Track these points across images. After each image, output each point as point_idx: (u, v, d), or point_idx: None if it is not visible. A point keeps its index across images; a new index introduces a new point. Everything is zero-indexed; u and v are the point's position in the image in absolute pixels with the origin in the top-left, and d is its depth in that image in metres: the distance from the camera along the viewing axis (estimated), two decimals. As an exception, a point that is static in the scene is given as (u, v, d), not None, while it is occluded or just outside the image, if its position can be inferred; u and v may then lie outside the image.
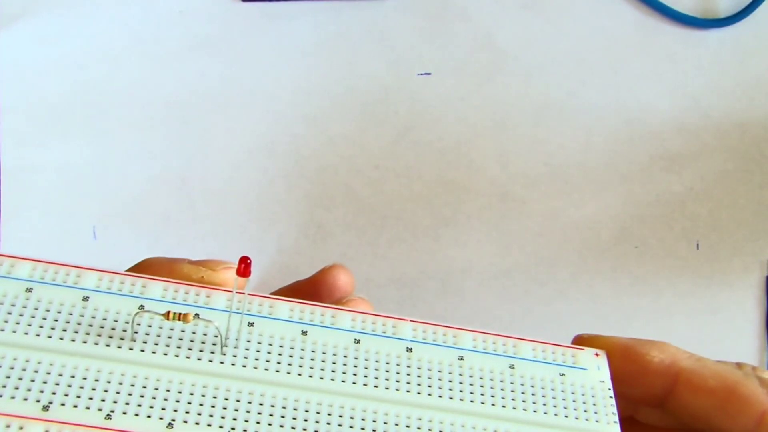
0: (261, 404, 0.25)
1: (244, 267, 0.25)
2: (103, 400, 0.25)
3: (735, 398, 0.26)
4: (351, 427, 0.25)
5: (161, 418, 0.24)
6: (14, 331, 0.26)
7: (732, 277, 0.47)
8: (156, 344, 0.26)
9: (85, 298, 0.27)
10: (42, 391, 0.25)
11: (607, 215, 0.47)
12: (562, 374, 0.28)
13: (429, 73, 0.47)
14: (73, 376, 0.25)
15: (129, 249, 0.46)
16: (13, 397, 0.25)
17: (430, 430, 0.26)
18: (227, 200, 0.47)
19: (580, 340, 0.29)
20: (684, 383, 0.27)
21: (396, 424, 0.25)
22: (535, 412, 0.27)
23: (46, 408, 0.25)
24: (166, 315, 0.25)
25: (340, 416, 0.25)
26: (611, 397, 0.28)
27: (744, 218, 0.47)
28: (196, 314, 0.25)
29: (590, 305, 0.46)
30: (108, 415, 0.24)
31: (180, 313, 0.25)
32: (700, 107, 0.47)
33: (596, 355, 0.30)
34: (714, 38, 0.47)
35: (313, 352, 0.26)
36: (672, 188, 0.47)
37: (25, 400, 0.25)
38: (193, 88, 0.47)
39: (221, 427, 0.24)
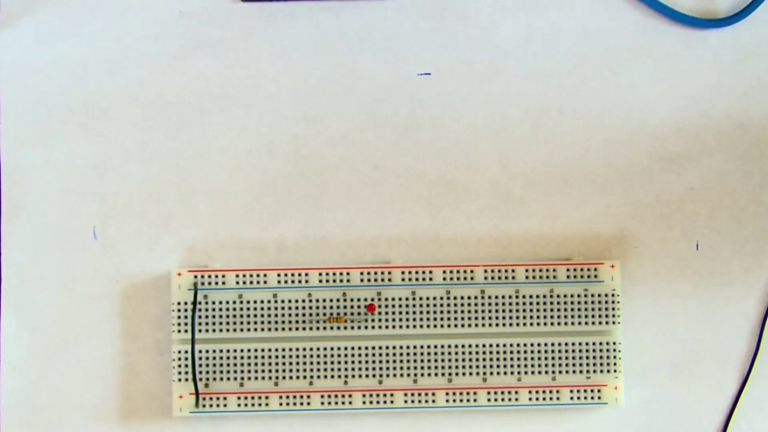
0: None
1: None
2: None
3: None
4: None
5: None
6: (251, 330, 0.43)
7: (732, 277, 0.47)
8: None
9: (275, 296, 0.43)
10: (274, 371, 0.42)
11: (607, 215, 0.47)
12: (586, 289, 0.43)
13: (429, 73, 0.47)
14: (290, 356, 0.42)
15: (129, 249, 0.46)
16: (256, 378, 0.42)
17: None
18: (227, 200, 0.47)
19: None
20: None
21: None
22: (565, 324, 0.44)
23: (276, 383, 0.41)
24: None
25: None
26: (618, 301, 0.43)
27: (744, 218, 0.47)
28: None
29: (590, 305, 0.46)
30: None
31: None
32: (700, 107, 0.47)
33: (612, 266, 0.44)
34: (714, 38, 0.47)
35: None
36: (672, 188, 0.47)
37: (263, 379, 0.42)
38: (193, 88, 0.47)
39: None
